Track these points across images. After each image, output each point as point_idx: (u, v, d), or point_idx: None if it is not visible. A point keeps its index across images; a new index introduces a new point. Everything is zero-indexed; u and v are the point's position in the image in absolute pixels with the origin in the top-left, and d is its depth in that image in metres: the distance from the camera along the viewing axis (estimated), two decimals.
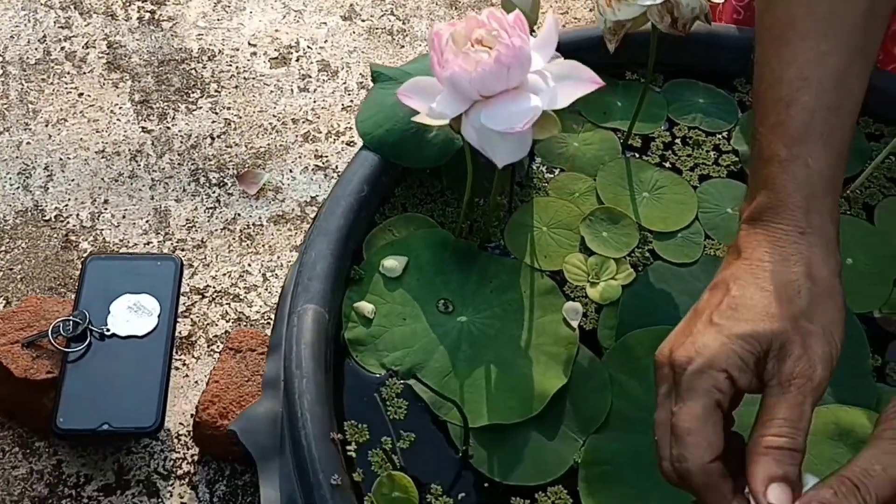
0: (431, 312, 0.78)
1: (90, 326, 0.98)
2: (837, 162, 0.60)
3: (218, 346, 1.13)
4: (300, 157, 1.32)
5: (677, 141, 0.92)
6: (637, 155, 0.91)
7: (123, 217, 1.22)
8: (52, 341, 0.97)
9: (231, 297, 1.17)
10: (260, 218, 1.24)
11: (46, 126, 1.32)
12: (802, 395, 0.54)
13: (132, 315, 1.01)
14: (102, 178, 1.26)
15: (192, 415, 1.06)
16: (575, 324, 0.78)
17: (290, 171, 1.30)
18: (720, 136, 0.93)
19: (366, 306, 0.77)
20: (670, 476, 0.57)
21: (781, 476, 0.52)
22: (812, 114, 0.58)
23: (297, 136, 1.34)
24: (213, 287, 1.18)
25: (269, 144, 1.32)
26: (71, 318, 0.98)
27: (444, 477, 0.70)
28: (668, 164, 0.90)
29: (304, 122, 1.36)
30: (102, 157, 1.28)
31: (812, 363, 0.55)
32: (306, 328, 0.69)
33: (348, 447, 0.71)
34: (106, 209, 1.23)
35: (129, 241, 1.20)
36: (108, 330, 0.99)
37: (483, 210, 0.84)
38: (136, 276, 1.04)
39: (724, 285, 0.58)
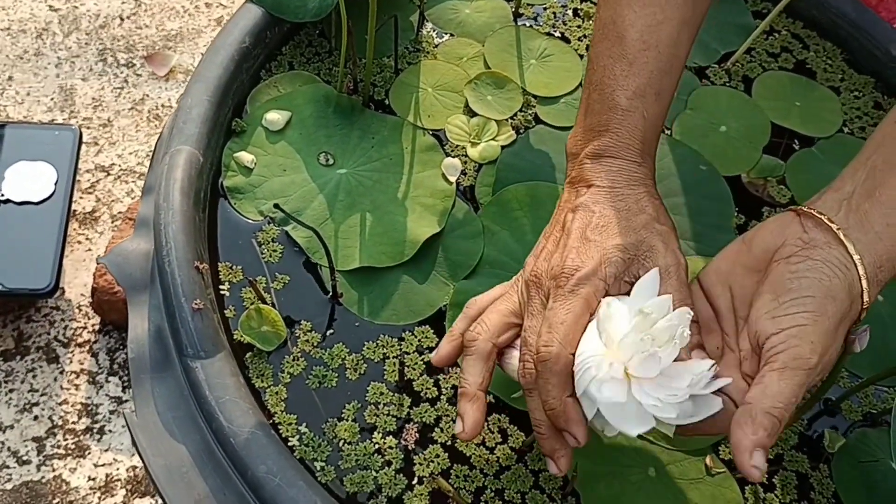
0: (312, 165, 0.80)
1: None
2: (663, 113, 0.68)
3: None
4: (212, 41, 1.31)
5: (569, 12, 0.94)
6: (528, 24, 0.92)
7: (28, 94, 1.21)
8: None
9: (137, 175, 1.17)
10: (169, 100, 1.24)
11: None
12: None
13: (27, 182, 1.01)
14: (7, 56, 1.24)
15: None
16: (453, 179, 0.80)
17: (202, 54, 1.29)
18: None
19: (246, 156, 0.78)
20: (527, 371, 0.60)
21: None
22: (650, 74, 0.66)
23: (209, 20, 1.33)
24: (119, 165, 1.18)
25: (180, 27, 1.31)
26: None
27: (314, 316, 0.72)
28: (557, 34, 0.92)
29: (217, 7, 1.34)
30: (7, 35, 1.26)
31: (678, 258, 0.63)
32: (177, 166, 0.70)
33: (221, 287, 0.72)
34: (10, 86, 1.21)
35: (33, 118, 1.19)
36: (2, 195, 0.99)
37: (366, 69, 0.85)
38: (32, 144, 1.03)
39: (587, 208, 0.65)
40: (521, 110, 0.86)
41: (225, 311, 0.71)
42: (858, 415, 0.73)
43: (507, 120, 0.85)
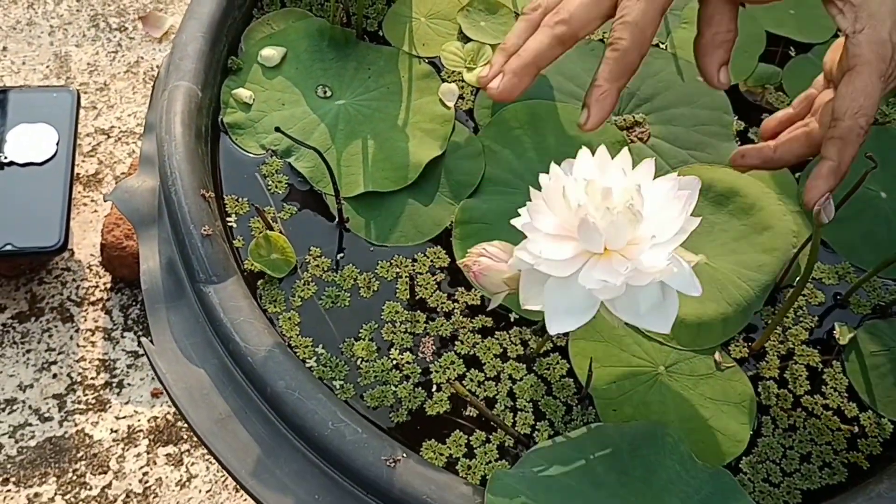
0: (310, 97, 0.80)
1: None
2: None
3: None
4: None
5: None
6: None
7: (24, 63, 1.21)
8: None
9: (136, 136, 1.17)
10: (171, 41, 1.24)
11: None
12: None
13: (30, 143, 1.01)
14: (0, 27, 1.24)
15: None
16: (451, 104, 0.81)
17: None
18: None
19: (244, 92, 0.79)
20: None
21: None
22: None
23: None
24: (119, 127, 1.18)
25: None
26: None
27: (323, 244, 0.73)
28: None
29: None
30: None
31: None
32: (176, 100, 0.71)
33: (228, 218, 0.73)
34: (5, 56, 1.22)
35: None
36: (5, 157, 1.00)
37: (358, 1, 0.85)
38: (32, 107, 1.04)
39: None
40: None
41: (234, 242, 0.72)
42: (867, 308, 0.74)
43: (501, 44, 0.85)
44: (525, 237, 0.55)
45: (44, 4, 1.28)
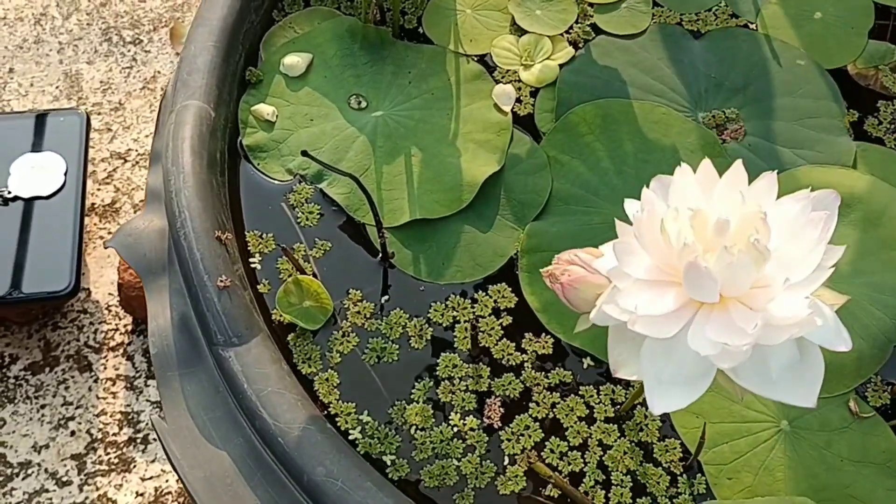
0: (343, 110, 0.68)
1: None
2: None
3: None
4: None
5: None
6: None
7: (31, 85, 1.11)
8: None
9: None
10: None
11: None
12: None
13: (35, 175, 0.91)
14: (5, 46, 1.14)
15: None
16: (507, 108, 0.68)
17: None
18: None
19: (265, 109, 0.67)
20: None
21: None
22: None
23: None
24: (136, 150, 1.08)
25: None
26: None
27: (364, 284, 0.61)
28: None
29: None
30: (4, 25, 1.17)
31: None
32: (185, 123, 0.59)
33: (251, 259, 0.62)
34: (12, 78, 1.12)
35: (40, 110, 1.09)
36: (9, 192, 0.90)
37: None
38: (36, 134, 0.94)
39: None
40: (577, 22, 0.73)
41: (258, 287, 0.60)
42: None
43: (561, 35, 0.73)
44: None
45: (52, 20, 1.18)
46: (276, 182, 0.65)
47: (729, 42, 0.72)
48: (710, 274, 0.38)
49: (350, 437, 0.56)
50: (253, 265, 0.62)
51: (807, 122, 0.68)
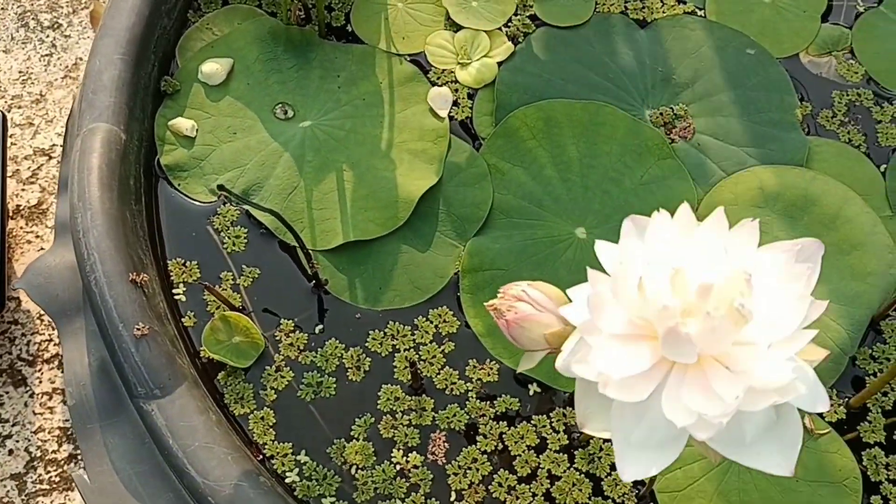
0: (268, 121, 0.64)
1: None
2: None
3: None
4: None
5: None
6: None
7: None
8: None
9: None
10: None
11: None
12: None
13: None
14: None
15: None
16: (444, 113, 0.64)
17: None
18: None
19: (184, 123, 0.63)
20: None
21: None
22: None
23: None
24: (61, 145, 1.02)
25: None
26: None
27: (296, 312, 0.58)
28: None
29: None
30: None
31: None
32: (91, 150, 0.55)
33: (175, 291, 0.58)
34: None
35: None
36: None
37: None
38: None
39: None
40: (515, 14, 0.69)
41: (183, 320, 0.57)
42: None
43: (500, 29, 0.68)
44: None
45: None
46: (198, 204, 0.61)
47: (676, 32, 0.68)
48: (690, 339, 0.36)
49: (287, 480, 0.53)
50: (177, 296, 0.58)
51: (758, 117, 0.65)
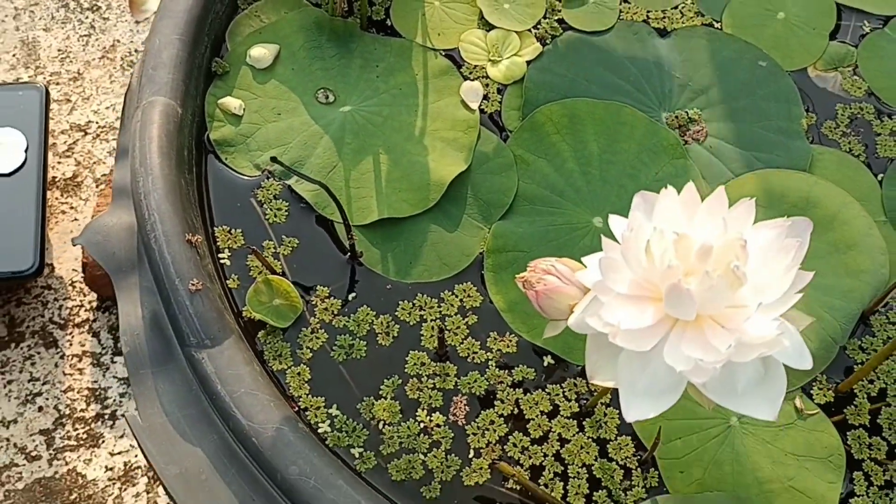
0: (310, 104, 0.68)
1: None
2: None
3: None
4: None
5: None
6: None
7: None
8: None
9: (117, 130, 1.06)
10: (143, 43, 1.11)
11: None
12: None
13: None
14: None
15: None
16: (475, 106, 0.69)
17: None
18: None
19: (232, 102, 0.67)
20: None
21: None
22: None
23: None
24: (96, 122, 1.06)
25: None
26: None
27: (332, 280, 0.63)
28: None
29: None
30: None
31: None
32: (152, 122, 0.59)
33: (220, 255, 0.62)
34: None
35: None
36: None
37: None
38: None
39: None
40: (544, 17, 0.74)
41: (227, 282, 0.61)
42: None
43: (529, 30, 0.73)
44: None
45: None
46: (244, 177, 0.66)
47: (694, 42, 0.73)
48: (691, 295, 0.41)
49: (319, 430, 0.57)
50: (222, 261, 0.62)
51: (766, 124, 0.70)
